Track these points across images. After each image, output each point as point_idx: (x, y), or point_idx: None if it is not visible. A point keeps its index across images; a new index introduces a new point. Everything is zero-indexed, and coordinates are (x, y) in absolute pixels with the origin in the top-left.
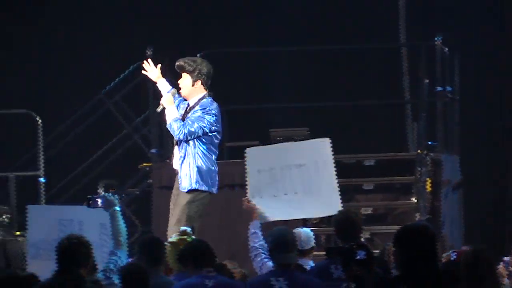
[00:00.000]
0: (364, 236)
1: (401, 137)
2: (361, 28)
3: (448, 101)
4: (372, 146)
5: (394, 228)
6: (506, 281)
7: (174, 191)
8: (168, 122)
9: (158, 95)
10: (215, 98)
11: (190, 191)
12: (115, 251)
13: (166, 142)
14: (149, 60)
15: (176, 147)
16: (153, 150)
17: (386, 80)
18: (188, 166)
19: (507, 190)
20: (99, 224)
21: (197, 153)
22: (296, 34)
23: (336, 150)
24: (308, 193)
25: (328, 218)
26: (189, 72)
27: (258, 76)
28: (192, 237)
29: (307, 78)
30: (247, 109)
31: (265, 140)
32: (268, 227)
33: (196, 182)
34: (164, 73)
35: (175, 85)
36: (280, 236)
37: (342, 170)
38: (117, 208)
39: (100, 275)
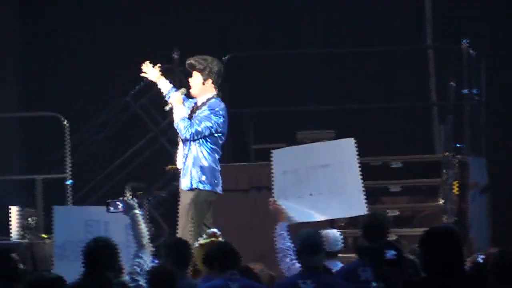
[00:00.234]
0: (391, 239)
1: (428, 139)
2: (388, 30)
3: (475, 103)
4: (399, 148)
5: (421, 230)
6: None
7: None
8: (175, 121)
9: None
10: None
11: (191, 190)
12: (139, 253)
13: None
14: (147, 61)
15: (180, 146)
16: None
17: (412, 82)
18: (191, 165)
19: None
20: (124, 225)
21: (202, 152)
22: (323, 36)
23: (363, 152)
24: (333, 194)
25: (355, 220)
26: (199, 71)
27: (285, 79)
28: (221, 239)
29: (334, 81)
30: (274, 112)
31: (292, 142)
32: (295, 228)
33: (199, 181)
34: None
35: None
36: (308, 238)
37: (369, 172)
38: (137, 211)
39: (126, 278)
